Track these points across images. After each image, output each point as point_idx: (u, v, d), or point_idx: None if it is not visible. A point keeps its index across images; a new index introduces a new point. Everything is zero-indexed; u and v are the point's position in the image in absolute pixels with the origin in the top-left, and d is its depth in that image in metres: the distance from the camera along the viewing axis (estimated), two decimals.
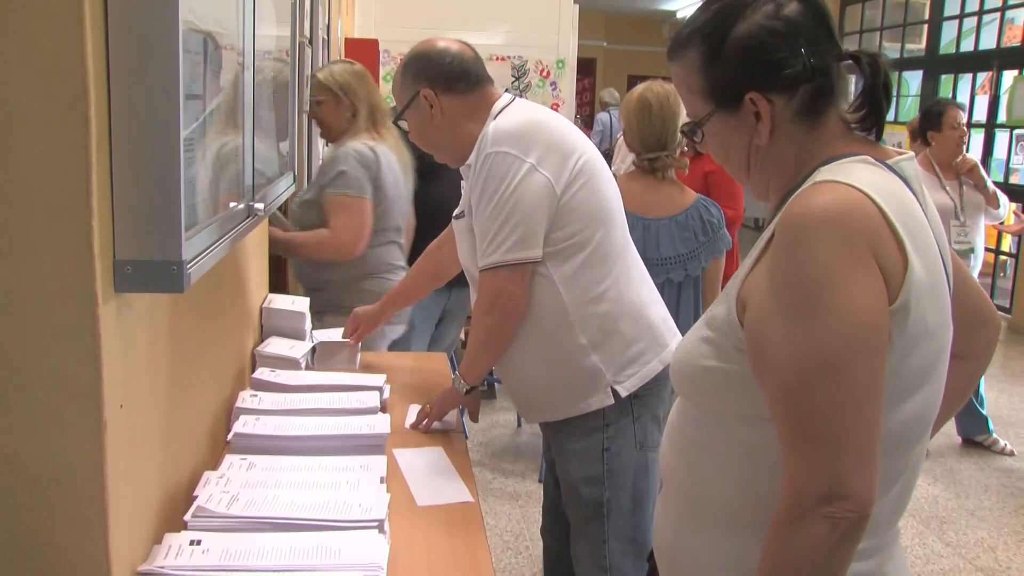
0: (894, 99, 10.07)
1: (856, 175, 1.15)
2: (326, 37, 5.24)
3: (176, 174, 1.21)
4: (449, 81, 2.12)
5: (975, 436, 4.81)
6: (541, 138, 2.01)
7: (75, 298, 1.15)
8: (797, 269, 1.10)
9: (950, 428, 4.88)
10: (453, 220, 2.25)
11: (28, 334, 1.15)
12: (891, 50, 10.71)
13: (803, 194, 1.15)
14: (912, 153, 1.25)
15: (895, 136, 9.64)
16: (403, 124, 2.24)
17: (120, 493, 1.26)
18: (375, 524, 1.53)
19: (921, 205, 1.21)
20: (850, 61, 1.25)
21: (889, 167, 1.21)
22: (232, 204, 1.71)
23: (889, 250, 1.10)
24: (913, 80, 10.24)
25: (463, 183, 2.22)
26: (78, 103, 1.11)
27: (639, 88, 3.02)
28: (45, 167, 1.12)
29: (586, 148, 2.10)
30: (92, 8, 1.11)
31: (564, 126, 2.10)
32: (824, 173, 1.18)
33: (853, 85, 1.27)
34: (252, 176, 1.91)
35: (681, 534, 1.35)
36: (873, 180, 1.15)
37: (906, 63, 10.41)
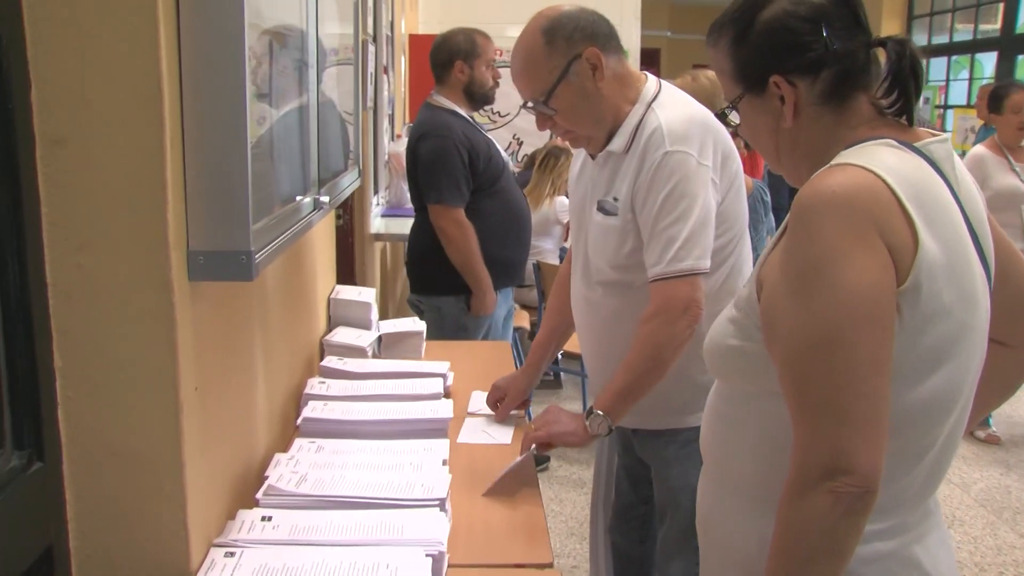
0: (968, 82, 9.88)
1: (874, 157, 1.18)
2: (390, 34, 5.34)
3: (244, 170, 1.29)
4: (607, 38, 1.93)
5: None
6: (712, 139, 1.90)
7: (152, 286, 1.23)
8: (803, 248, 1.15)
9: None
10: (595, 212, 2.01)
11: (110, 319, 1.23)
12: (964, 31, 10.46)
13: (816, 177, 1.18)
14: (946, 135, 1.27)
15: (969, 120, 9.43)
16: (546, 109, 1.95)
17: (196, 470, 1.34)
18: (437, 503, 1.59)
19: (951, 187, 1.23)
20: (878, 47, 1.28)
21: (916, 150, 1.23)
22: (299, 197, 1.78)
23: (898, 228, 1.13)
24: (988, 62, 9.99)
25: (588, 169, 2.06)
26: (153, 103, 1.19)
27: (686, 78, 3.04)
28: (123, 164, 1.20)
29: (734, 149, 2.00)
30: (165, 12, 1.19)
31: (721, 126, 1.94)
32: (843, 156, 1.21)
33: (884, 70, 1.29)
34: (318, 171, 1.99)
35: (714, 506, 1.41)
36: (891, 162, 1.17)
37: (979, 44, 10.17)
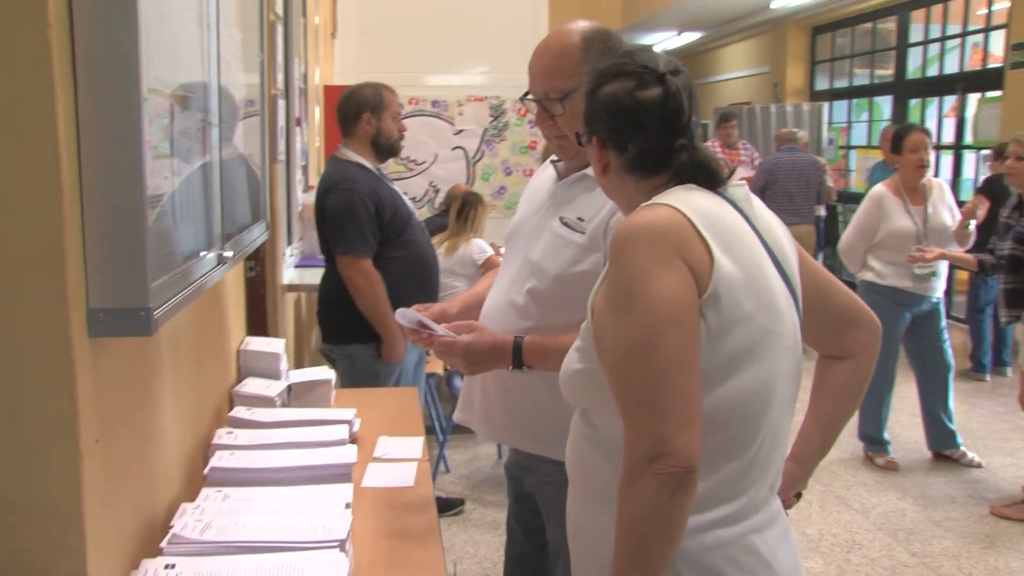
0: (868, 124, 10.28)
1: (677, 198, 1.42)
2: (303, 86, 5.41)
3: (142, 229, 1.35)
4: None
5: (944, 450, 4.94)
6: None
7: (53, 343, 1.28)
8: (619, 273, 1.38)
9: (921, 444, 5.01)
10: (557, 223, 1.99)
11: (11, 376, 1.28)
12: (862, 76, 10.95)
13: (629, 216, 1.44)
14: (744, 182, 1.52)
15: (870, 160, 9.85)
16: (558, 107, 1.95)
17: (97, 521, 1.38)
18: (336, 544, 1.65)
19: (749, 219, 1.48)
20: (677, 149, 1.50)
21: (719, 193, 1.48)
22: (203, 253, 1.84)
23: (696, 250, 1.36)
24: (885, 105, 10.47)
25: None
26: (51, 167, 1.25)
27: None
28: (22, 225, 1.26)
29: None
30: (62, 77, 1.25)
31: None
32: (655, 198, 1.45)
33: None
34: (222, 226, 2.05)
35: (583, 518, 1.56)
36: (687, 199, 1.42)
37: (876, 89, 10.66)
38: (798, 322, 1.50)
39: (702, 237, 1.37)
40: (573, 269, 1.93)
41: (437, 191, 7.56)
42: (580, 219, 1.96)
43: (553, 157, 2.14)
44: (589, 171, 1.98)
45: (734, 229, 1.43)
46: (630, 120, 1.48)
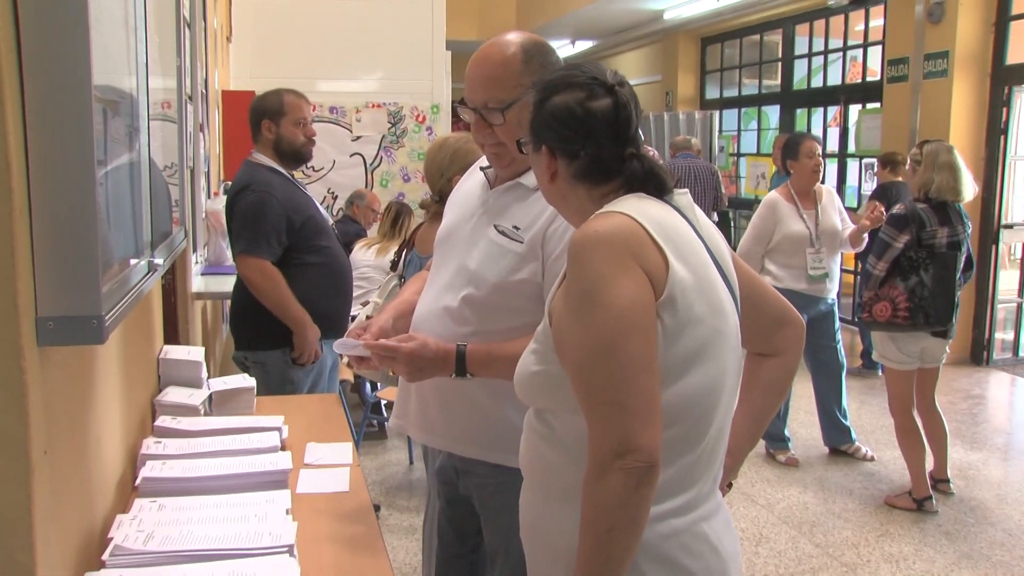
0: (757, 132, 10.64)
1: (629, 206, 1.49)
2: (204, 91, 5.31)
3: (94, 236, 1.33)
4: None
5: (840, 445, 5.17)
6: None
7: (2, 353, 1.25)
8: (577, 278, 1.43)
9: (818, 440, 5.23)
10: (492, 231, 2.02)
11: None
12: (750, 86, 11.33)
13: (585, 223, 1.48)
14: (686, 190, 1.60)
15: (760, 167, 10.20)
16: (498, 118, 1.96)
17: (46, 535, 1.36)
18: (285, 549, 1.65)
19: (693, 225, 1.55)
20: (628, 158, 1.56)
21: (664, 200, 1.55)
22: (133, 261, 1.81)
23: (651, 256, 1.43)
24: (772, 114, 10.85)
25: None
26: (1, 175, 1.22)
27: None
28: None
29: None
30: (10, 82, 1.23)
31: None
32: (607, 206, 1.51)
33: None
34: (151, 232, 2.02)
35: (538, 514, 1.61)
36: (640, 207, 1.49)
37: (764, 98, 11.04)
38: (738, 322, 1.58)
39: (656, 244, 1.43)
40: (512, 278, 1.97)
41: (336, 197, 7.51)
42: (516, 227, 2.00)
43: (482, 163, 2.17)
44: (523, 180, 2.04)
45: (684, 236, 1.50)
46: (581, 129, 1.53)
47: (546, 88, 1.58)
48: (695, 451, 1.50)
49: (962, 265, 4.28)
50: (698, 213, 1.61)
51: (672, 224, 1.50)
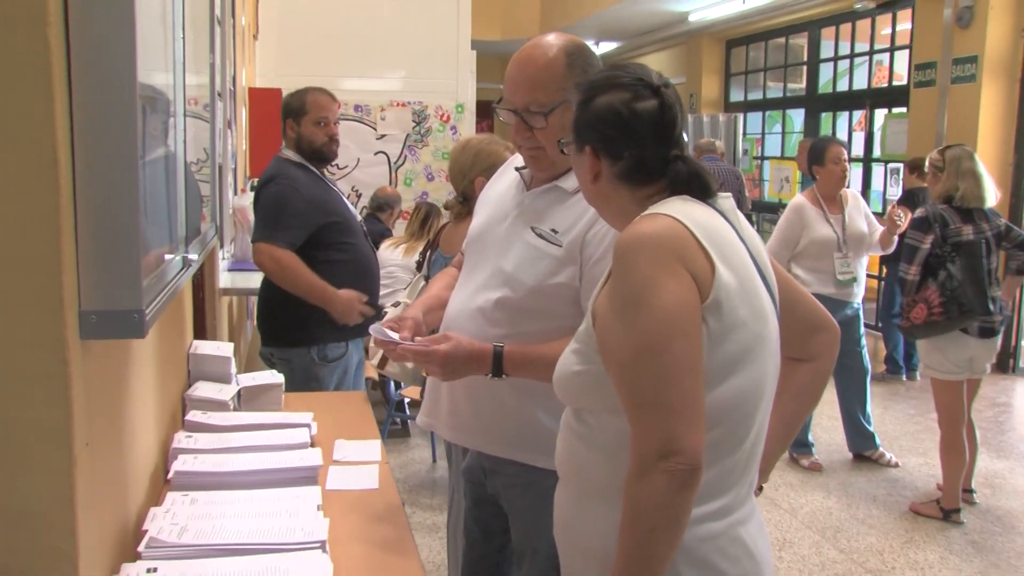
0: (781, 135, 10.60)
1: (675, 208, 1.49)
2: (232, 88, 5.34)
3: (135, 232, 1.35)
4: None
5: (864, 451, 5.14)
6: None
7: (46, 345, 1.27)
8: (624, 280, 1.43)
9: (842, 446, 5.20)
10: (529, 234, 2.02)
11: (2, 379, 1.26)
12: (775, 89, 11.29)
13: (631, 225, 1.49)
14: (729, 194, 1.59)
15: (784, 170, 10.16)
16: (541, 122, 1.96)
17: (86, 525, 1.37)
18: (318, 545, 1.66)
19: (736, 230, 1.55)
20: (672, 160, 1.56)
21: (708, 203, 1.55)
22: (168, 256, 1.83)
23: (698, 259, 1.43)
24: (797, 117, 10.81)
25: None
26: (49, 169, 1.24)
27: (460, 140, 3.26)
28: (17, 227, 1.24)
29: None
30: (59, 78, 1.24)
31: None
32: (651, 208, 1.51)
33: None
34: (185, 228, 2.04)
35: (573, 513, 1.61)
36: (685, 210, 1.48)
37: (789, 102, 11.00)
38: (778, 327, 1.58)
39: (702, 247, 1.43)
40: (549, 281, 1.97)
41: (360, 195, 7.53)
42: (554, 231, 1.99)
43: (518, 164, 2.17)
44: (560, 182, 2.03)
45: (728, 240, 1.50)
46: (626, 130, 1.54)
47: (590, 88, 1.59)
48: (735, 455, 1.50)
49: (995, 255, 4.24)
50: (740, 217, 1.61)
51: (716, 228, 1.50)
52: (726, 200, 1.59)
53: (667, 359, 1.37)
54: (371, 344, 3.15)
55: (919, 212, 4.34)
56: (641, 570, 1.38)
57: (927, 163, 4.56)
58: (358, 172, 7.60)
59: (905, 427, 5.78)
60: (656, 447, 1.36)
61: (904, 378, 7.04)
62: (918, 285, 4.23)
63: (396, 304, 3.22)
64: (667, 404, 1.37)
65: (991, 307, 4.13)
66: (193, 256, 2.03)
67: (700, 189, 1.55)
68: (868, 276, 6.40)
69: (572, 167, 1.69)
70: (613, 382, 1.46)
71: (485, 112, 15.70)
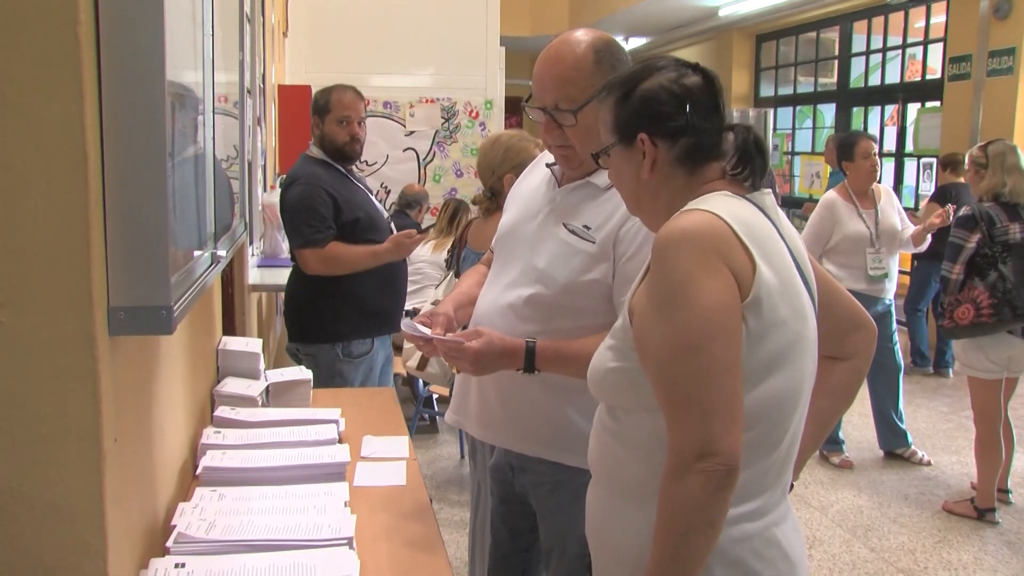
0: (812, 130, 10.51)
1: (715, 203, 1.46)
2: (262, 85, 5.36)
3: (165, 227, 1.35)
4: None
5: (896, 449, 5.09)
6: None
7: (75, 342, 1.28)
8: (663, 276, 1.41)
9: (873, 443, 5.15)
10: (562, 231, 2.01)
11: (32, 375, 1.27)
12: (805, 84, 11.19)
13: (670, 220, 1.45)
14: (769, 190, 1.56)
15: (814, 166, 10.07)
16: (570, 119, 1.95)
17: (115, 520, 1.38)
18: (345, 541, 1.66)
19: (777, 227, 1.52)
20: (729, 131, 1.54)
21: (748, 199, 1.52)
22: (197, 252, 1.84)
23: (739, 257, 1.40)
24: (828, 112, 10.71)
25: None
26: (79, 167, 1.25)
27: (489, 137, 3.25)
28: (47, 225, 1.25)
29: None
30: (89, 82, 1.25)
31: None
32: (690, 204, 1.49)
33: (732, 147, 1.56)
34: (214, 225, 2.05)
35: (606, 513, 1.59)
36: (726, 206, 1.45)
37: (820, 96, 10.90)
38: (816, 326, 1.55)
39: (743, 244, 1.41)
40: (582, 278, 1.96)
41: (388, 191, 7.55)
42: (587, 227, 1.98)
43: (549, 160, 2.16)
44: (593, 179, 2.01)
45: (769, 237, 1.48)
46: (681, 104, 1.51)
47: (628, 81, 1.57)
48: (771, 456, 1.48)
49: None
50: (780, 214, 1.58)
51: (758, 224, 1.47)
52: (766, 196, 1.56)
53: (706, 358, 1.35)
54: (406, 344, 3.17)
55: (965, 210, 4.27)
56: (676, 572, 1.36)
57: (967, 159, 4.49)
58: (387, 168, 7.62)
59: (938, 425, 5.72)
60: (693, 447, 1.34)
61: (930, 370, 6.98)
62: (961, 284, 4.17)
63: (435, 303, 3.24)
64: (705, 404, 1.35)
65: None
66: (222, 252, 2.04)
67: (762, 160, 1.52)
68: (901, 272, 6.36)
69: (612, 176, 1.64)
70: (650, 380, 1.44)
71: (514, 108, 15.68)
